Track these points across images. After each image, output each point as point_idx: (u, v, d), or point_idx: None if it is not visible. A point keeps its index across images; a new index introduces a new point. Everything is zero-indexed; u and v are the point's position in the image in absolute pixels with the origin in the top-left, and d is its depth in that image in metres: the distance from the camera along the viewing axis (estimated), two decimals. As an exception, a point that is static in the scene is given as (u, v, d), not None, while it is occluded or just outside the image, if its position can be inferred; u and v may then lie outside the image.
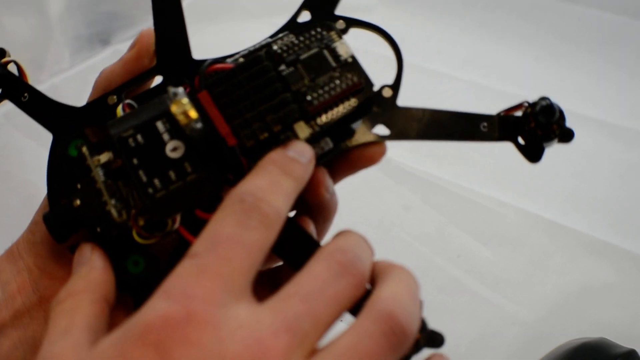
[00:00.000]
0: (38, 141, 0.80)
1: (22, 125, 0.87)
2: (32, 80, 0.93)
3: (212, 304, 0.23)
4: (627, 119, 0.87)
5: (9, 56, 0.37)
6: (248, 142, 0.30)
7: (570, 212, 0.74)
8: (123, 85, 0.36)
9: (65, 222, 0.33)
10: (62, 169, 0.34)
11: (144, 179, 0.29)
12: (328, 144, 0.34)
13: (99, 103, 0.35)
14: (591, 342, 0.58)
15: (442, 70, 0.92)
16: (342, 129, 0.34)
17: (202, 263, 0.24)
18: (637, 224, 0.73)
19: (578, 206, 0.75)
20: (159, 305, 0.23)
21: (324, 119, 0.33)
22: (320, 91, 0.32)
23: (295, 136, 0.32)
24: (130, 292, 0.33)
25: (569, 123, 0.85)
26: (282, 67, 0.33)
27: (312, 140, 0.33)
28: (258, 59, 0.32)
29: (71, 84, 0.92)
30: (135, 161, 0.29)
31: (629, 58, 0.96)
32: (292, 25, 0.36)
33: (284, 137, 0.32)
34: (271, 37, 0.35)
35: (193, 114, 0.29)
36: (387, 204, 0.77)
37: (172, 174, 0.29)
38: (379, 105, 0.35)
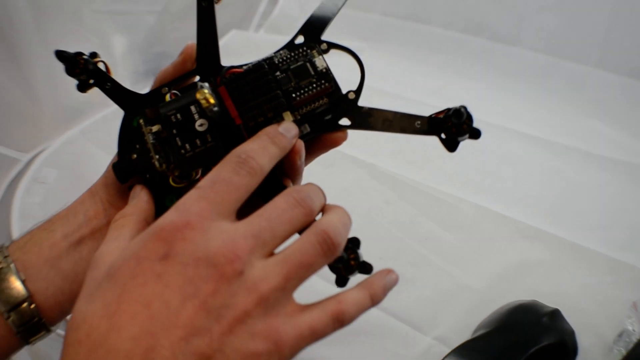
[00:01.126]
0: (107, 151, 0.81)
1: (94, 139, 0.88)
2: (99, 105, 0.95)
3: (204, 218, 0.27)
4: (555, 135, 0.87)
5: (99, 57, 0.41)
6: (250, 123, 0.35)
7: (510, 206, 0.75)
8: (172, 80, 0.39)
9: (125, 169, 0.36)
10: (127, 135, 0.38)
11: (179, 143, 0.34)
12: (307, 128, 0.37)
13: (156, 92, 0.39)
14: (526, 303, 0.59)
15: (414, 98, 0.92)
16: (318, 119, 0.37)
17: (202, 192, 0.28)
18: (561, 215, 0.74)
19: (516, 201, 0.76)
20: (170, 216, 0.27)
21: (304, 110, 0.37)
22: (302, 91, 0.37)
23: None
24: None
25: (509, 139, 0.87)
26: (277, 73, 0.37)
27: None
28: (261, 66, 0.37)
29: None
30: (174, 131, 0.34)
31: (556, 89, 0.96)
32: (289, 45, 0.39)
33: (276, 122, 0.36)
34: (274, 52, 0.39)
35: (211, 100, 0.34)
36: (372, 199, 0.78)
37: (197, 141, 0.34)
38: (345, 104, 0.37)
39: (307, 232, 0.28)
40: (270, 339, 0.25)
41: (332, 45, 0.39)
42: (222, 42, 0.43)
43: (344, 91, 0.38)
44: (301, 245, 0.28)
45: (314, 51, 0.38)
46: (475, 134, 0.37)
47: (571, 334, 0.57)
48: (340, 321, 0.29)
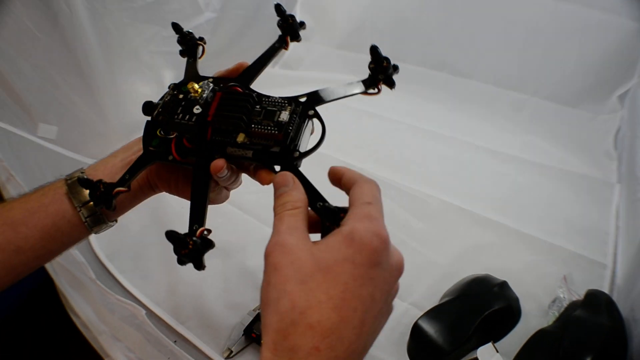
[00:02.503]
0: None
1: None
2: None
3: (388, 237, 0.28)
4: (501, 147, 0.86)
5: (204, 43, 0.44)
6: (215, 124, 0.35)
7: (467, 201, 0.74)
8: (219, 77, 0.41)
9: (148, 106, 0.38)
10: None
11: (178, 110, 0.36)
12: (248, 154, 0.35)
13: (204, 78, 0.40)
14: (480, 276, 0.58)
15: (392, 117, 0.92)
16: (262, 153, 0.35)
17: (380, 213, 0.29)
18: (507, 208, 0.73)
19: (472, 197, 0.75)
20: (372, 229, 0.26)
21: (254, 140, 0.35)
22: (260, 126, 0.34)
23: (235, 139, 0.35)
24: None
25: (466, 149, 0.85)
26: (258, 107, 0.36)
27: (241, 146, 0.35)
28: (249, 95, 0.36)
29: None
30: (183, 103, 0.36)
31: (501, 112, 0.96)
32: (294, 98, 0.37)
33: (231, 134, 0.35)
34: (279, 96, 0.37)
35: (196, 93, 0.36)
36: (361, 195, 0.76)
37: (187, 117, 0.35)
38: (285, 155, 0.34)
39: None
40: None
41: (317, 115, 0.37)
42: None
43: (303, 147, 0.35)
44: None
45: (289, 107, 0.35)
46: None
47: (516, 300, 0.56)
48: None
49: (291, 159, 0.34)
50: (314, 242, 0.27)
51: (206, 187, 0.35)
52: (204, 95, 0.36)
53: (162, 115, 0.37)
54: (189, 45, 0.43)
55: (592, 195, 0.76)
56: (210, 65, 1.04)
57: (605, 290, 0.59)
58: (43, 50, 0.70)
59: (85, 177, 0.37)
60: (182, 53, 0.43)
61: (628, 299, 0.53)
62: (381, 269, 0.26)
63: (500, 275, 0.58)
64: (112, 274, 0.63)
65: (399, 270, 0.28)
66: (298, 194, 0.30)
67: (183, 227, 0.33)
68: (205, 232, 0.32)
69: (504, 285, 0.56)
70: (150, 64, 0.88)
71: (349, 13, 1.12)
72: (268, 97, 0.36)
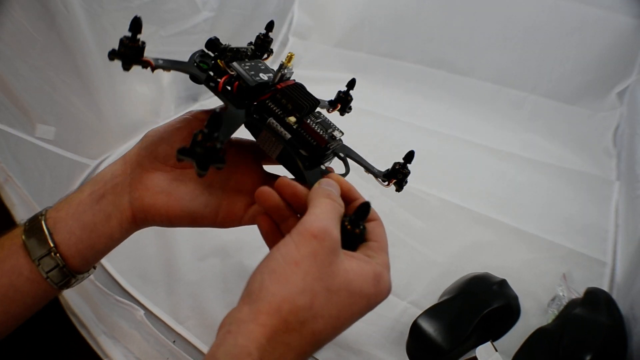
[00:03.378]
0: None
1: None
2: (151, 123, 0.95)
3: None
4: (500, 145, 0.86)
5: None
6: (279, 95, 0.33)
7: (467, 199, 0.74)
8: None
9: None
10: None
11: (247, 67, 0.34)
12: (286, 135, 0.33)
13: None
14: (480, 274, 0.58)
15: (391, 116, 0.92)
16: (296, 145, 0.34)
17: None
18: (506, 207, 0.73)
19: (472, 196, 0.75)
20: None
21: (299, 130, 0.33)
22: (314, 124, 0.34)
23: (286, 117, 0.33)
24: None
25: (466, 147, 0.84)
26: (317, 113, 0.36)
27: (286, 126, 0.33)
28: (316, 100, 0.36)
29: (175, 124, 0.92)
30: (249, 63, 0.35)
31: (500, 110, 0.96)
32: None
33: (285, 111, 0.33)
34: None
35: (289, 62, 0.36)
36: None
37: (252, 73, 0.34)
38: (314, 158, 0.34)
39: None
40: None
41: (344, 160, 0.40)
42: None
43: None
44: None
45: (341, 134, 0.37)
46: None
47: (515, 298, 0.56)
48: None
49: (317, 163, 0.34)
50: (345, 253, 0.26)
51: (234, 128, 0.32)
52: (285, 71, 0.35)
53: (231, 52, 0.35)
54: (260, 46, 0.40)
55: (591, 193, 0.75)
56: (209, 64, 1.03)
57: (605, 288, 0.59)
58: (41, 51, 0.69)
59: (42, 223, 0.32)
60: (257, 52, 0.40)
61: (628, 297, 0.53)
62: (375, 306, 0.27)
63: (499, 274, 0.58)
64: (111, 274, 0.62)
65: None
66: (338, 198, 0.30)
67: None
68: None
69: (503, 283, 0.56)
70: (148, 64, 0.88)
71: (348, 11, 1.12)
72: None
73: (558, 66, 0.93)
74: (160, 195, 0.33)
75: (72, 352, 0.59)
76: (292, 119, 0.33)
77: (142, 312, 0.55)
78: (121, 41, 0.29)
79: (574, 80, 0.92)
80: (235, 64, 0.34)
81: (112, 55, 0.29)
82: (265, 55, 0.40)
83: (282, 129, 0.33)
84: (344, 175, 0.36)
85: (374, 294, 0.25)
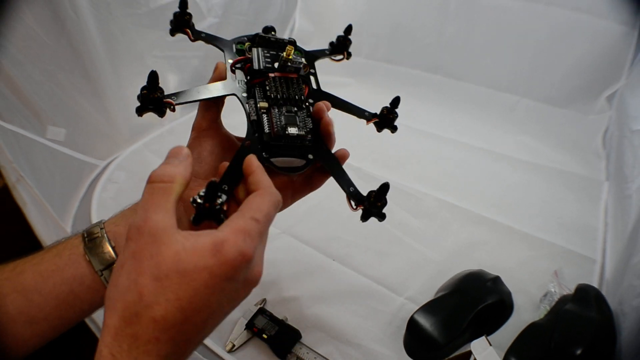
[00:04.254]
0: (163, 159, 0.80)
1: (153, 150, 0.87)
2: (157, 125, 0.95)
3: (257, 251, 0.27)
4: (494, 147, 0.86)
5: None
6: (272, 82, 0.36)
7: (462, 199, 0.74)
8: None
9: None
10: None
11: (269, 54, 0.38)
12: (252, 116, 0.35)
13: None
14: (474, 271, 0.58)
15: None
16: (257, 127, 0.34)
17: (259, 229, 0.27)
18: (500, 206, 0.73)
19: (466, 195, 0.75)
20: (239, 245, 0.25)
21: (264, 117, 0.34)
22: (281, 115, 0.34)
23: (261, 102, 0.35)
24: None
25: (460, 149, 0.85)
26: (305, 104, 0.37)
27: (257, 110, 0.34)
28: (302, 100, 0.37)
29: (180, 127, 0.92)
30: (270, 52, 0.38)
31: (494, 113, 0.96)
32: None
33: (264, 97, 0.35)
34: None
35: (289, 54, 0.36)
36: (359, 194, 0.76)
37: (268, 59, 0.37)
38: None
39: None
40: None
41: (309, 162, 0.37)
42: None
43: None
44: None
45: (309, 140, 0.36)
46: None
47: (509, 295, 0.56)
48: None
49: (270, 152, 0.34)
50: (183, 234, 0.25)
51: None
52: (289, 64, 0.36)
53: (262, 40, 0.37)
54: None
55: (581, 193, 0.75)
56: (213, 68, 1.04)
57: (595, 284, 0.58)
58: (51, 55, 0.69)
59: (105, 236, 0.33)
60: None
61: (617, 293, 0.53)
62: (234, 282, 0.25)
63: (493, 271, 0.57)
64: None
65: (254, 282, 0.27)
66: (179, 170, 0.27)
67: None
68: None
69: (497, 280, 0.56)
70: (154, 68, 0.87)
71: (347, 18, 1.12)
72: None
73: (549, 71, 0.94)
74: None
75: (82, 345, 0.59)
76: (264, 104, 0.34)
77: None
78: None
79: (564, 85, 0.92)
80: (254, 49, 0.37)
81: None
82: (341, 57, 0.44)
83: (250, 110, 0.35)
84: (298, 169, 0.36)
85: (215, 264, 0.24)
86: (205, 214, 0.28)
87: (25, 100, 0.68)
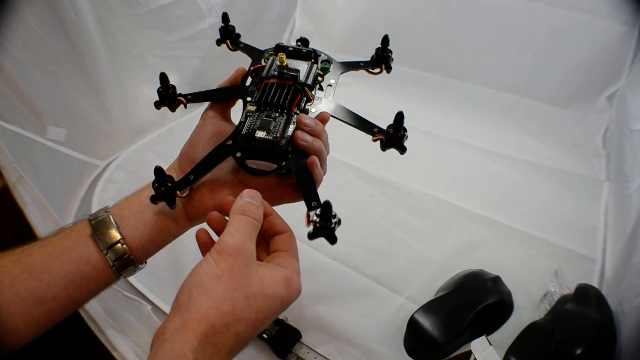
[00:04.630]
0: (163, 158, 0.80)
1: (153, 150, 0.87)
2: (157, 125, 0.95)
3: None
4: (494, 146, 0.86)
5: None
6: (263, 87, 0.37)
7: (462, 199, 0.74)
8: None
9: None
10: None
11: (272, 66, 0.40)
12: (242, 118, 0.37)
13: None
14: (474, 271, 0.58)
15: (389, 118, 0.90)
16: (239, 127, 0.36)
17: None
18: (500, 206, 0.73)
19: (466, 195, 0.75)
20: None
21: (248, 119, 0.36)
22: (259, 120, 0.36)
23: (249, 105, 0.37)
24: None
25: (461, 149, 0.85)
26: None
27: (245, 113, 0.37)
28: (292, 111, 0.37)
29: (180, 127, 0.92)
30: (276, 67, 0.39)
31: (494, 112, 0.95)
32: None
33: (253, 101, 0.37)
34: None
35: (283, 61, 0.37)
36: (359, 194, 0.76)
37: (272, 69, 0.39)
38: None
39: None
40: None
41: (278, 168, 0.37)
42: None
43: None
44: None
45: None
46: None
47: (509, 294, 0.56)
48: None
49: (243, 154, 0.35)
50: (262, 264, 0.29)
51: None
52: (288, 65, 0.37)
53: (278, 48, 0.40)
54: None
55: (581, 193, 0.75)
56: (214, 68, 1.04)
57: (595, 284, 0.58)
58: (52, 55, 0.69)
59: (110, 217, 0.35)
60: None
61: (617, 293, 0.53)
62: (288, 305, 0.30)
63: (493, 271, 0.57)
64: (119, 271, 0.62)
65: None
66: (260, 213, 0.32)
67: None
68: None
69: (497, 280, 0.56)
70: (155, 68, 0.87)
71: (347, 18, 1.12)
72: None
73: (549, 71, 0.93)
74: (204, 192, 0.37)
75: (82, 345, 0.59)
76: (252, 107, 0.36)
77: (149, 307, 0.55)
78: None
79: (565, 84, 0.92)
80: (271, 57, 0.40)
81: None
82: (378, 70, 0.44)
83: (244, 112, 0.37)
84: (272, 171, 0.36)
85: (286, 296, 0.29)
86: (161, 196, 0.34)
87: (26, 100, 0.68)
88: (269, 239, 0.33)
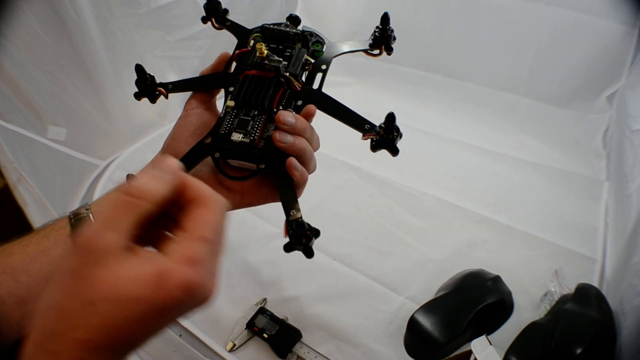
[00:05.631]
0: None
1: (154, 149, 0.86)
2: (157, 125, 0.95)
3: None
4: (494, 146, 0.86)
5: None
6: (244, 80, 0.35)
7: (462, 199, 0.74)
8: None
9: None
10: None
11: (255, 53, 0.35)
12: (221, 113, 0.35)
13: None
14: (475, 271, 0.58)
15: None
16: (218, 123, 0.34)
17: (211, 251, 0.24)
18: (500, 205, 0.73)
19: (466, 195, 0.75)
20: (194, 275, 0.22)
21: (226, 116, 0.35)
22: (236, 118, 0.34)
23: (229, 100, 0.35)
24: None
25: (460, 148, 0.85)
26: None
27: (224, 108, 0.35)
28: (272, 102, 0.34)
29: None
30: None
31: (494, 112, 0.96)
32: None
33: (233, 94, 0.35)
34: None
35: (262, 53, 0.34)
36: (359, 194, 0.76)
37: (255, 58, 0.35)
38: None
39: None
40: None
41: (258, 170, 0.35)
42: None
43: None
44: None
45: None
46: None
47: (509, 294, 0.56)
48: None
49: (224, 154, 0.33)
50: (130, 259, 0.22)
51: None
52: (267, 56, 0.34)
53: (264, 30, 0.38)
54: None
55: (582, 193, 0.75)
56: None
57: (595, 284, 0.58)
58: (52, 55, 0.69)
59: (90, 215, 0.33)
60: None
61: (617, 292, 0.53)
62: (177, 310, 0.22)
63: (493, 270, 0.57)
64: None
65: (205, 301, 0.23)
66: (154, 186, 0.23)
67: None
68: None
69: (497, 279, 0.56)
70: (155, 68, 0.87)
71: (347, 18, 1.12)
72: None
73: (549, 70, 0.93)
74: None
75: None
76: (231, 103, 0.34)
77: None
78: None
79: (565, 84, 0.92)
80: (254, 43, 0.37)
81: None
82: (377, 51, 0.38)
83: (224, 106, 0.35)
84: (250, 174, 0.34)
85: (156, 297, 0.21)
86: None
87: (26, 100, 0.68)
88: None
